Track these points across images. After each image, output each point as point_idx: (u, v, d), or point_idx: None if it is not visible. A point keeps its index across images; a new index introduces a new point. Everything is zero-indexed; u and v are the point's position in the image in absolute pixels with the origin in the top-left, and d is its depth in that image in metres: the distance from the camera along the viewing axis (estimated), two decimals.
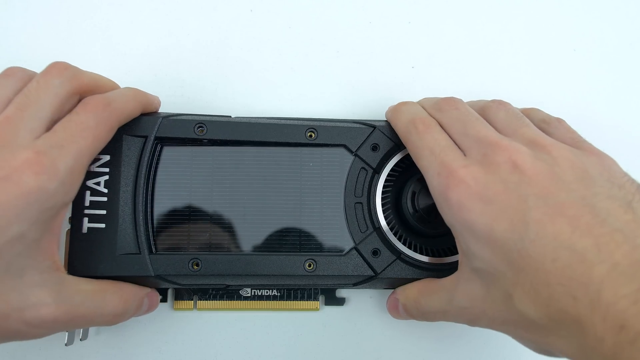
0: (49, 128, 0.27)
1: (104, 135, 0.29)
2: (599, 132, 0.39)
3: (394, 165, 0.34)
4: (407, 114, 0.32)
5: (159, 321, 0.36)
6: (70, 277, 0.29)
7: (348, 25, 0.40)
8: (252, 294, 0.36)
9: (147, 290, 0.32)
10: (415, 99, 0.39)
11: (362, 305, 0.37)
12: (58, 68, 0.29)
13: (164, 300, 0.36)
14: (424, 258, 0.33)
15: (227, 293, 0.36)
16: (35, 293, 0.26)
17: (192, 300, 0.36)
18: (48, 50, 0.38)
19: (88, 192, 0.32)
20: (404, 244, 0.33)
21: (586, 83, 0.41)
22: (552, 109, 0.39)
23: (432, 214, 0.33)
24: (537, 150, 0.27)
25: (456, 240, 0.29)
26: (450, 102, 0.32)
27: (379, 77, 0.40)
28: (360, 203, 0.34)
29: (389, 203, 0.35)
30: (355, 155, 0.34)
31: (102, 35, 0.39)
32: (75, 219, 0.32)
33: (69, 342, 0.32)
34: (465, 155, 0.29)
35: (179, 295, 0.36)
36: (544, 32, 0.41)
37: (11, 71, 0.29)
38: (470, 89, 0.40)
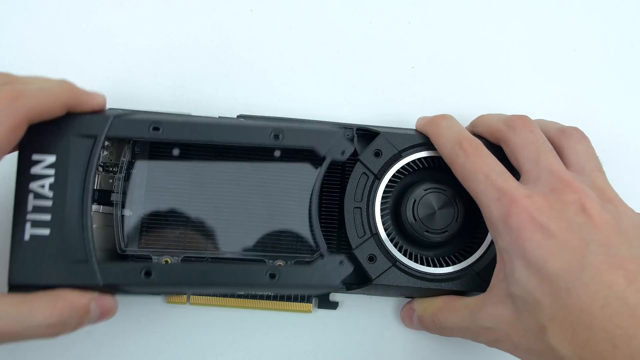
0: None
1: (4, 134, 0.26)
2: (599, 132, 0.39)
3: (395, 172, 0.34)
4: (450, 133, 0.32)
5: (151, 313, 0.37)
6: None
7: (348, 25, 0.40)
8: (246, 292, 0.36)
9: (90, 295, 0.29)
10: (415, 99, 0.39)
11: (355, 310, 0.37)
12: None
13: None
14: (420, 267, 0.33)
15: None
16: None
17: (185, 294, 0.37)
18: (48, 50, 0.38)
19: (31, 196, 0.29)
20: (400, 251, 0.33)
21: (586, 83, 0.41)
22: (552, 109, 0.39)
23: (431, 223, 0.34)
24: (604, 201, 0.28)
25: (501, 266, 0.29)
26: (525, 123, 0.31)
27: (379, 77, 0.40)
28: (360, 208, 0.34)
29: (387, 210, 0.35)
30: (358, 160, 0.34)
31: (102, 35, 0.39)
32: (17, 226, 0.29)
33: None
34: (525, 180, 0.30)
35: None
36: (544, 32, 0.41)
37: None
38: (470, 89, 0.40)
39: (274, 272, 0.31)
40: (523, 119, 0.32)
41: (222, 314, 0.37)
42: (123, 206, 0.34)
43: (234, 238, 0.34)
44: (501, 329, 0.28)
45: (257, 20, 0.40)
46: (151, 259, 0.33)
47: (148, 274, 0.30)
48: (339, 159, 0.32)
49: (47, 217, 0.29)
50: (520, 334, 0.28)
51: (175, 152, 0.34)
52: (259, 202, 0.34)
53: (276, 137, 0.32)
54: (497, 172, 0.29)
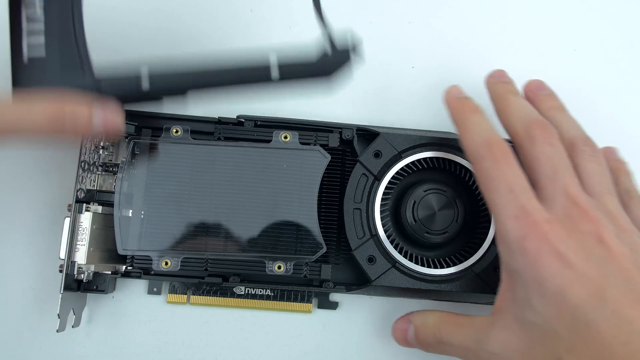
0: None
1: None
2: (599, 132, 0.39)
3: (395, 173, 0.34)
4: (480, 131, 0.30)
5: (151, 313, 0.37)
6: None
7: (348, 25, 0.40)
8: (246, 292, 0.37)
9: (89, 106, 0.27)
10: (415, 99, 0.39)
11: (355, 310, 0.37)
12: None
13: (157, 292, 0.37)
14: (419, 268, 0.33)
15: (220, 290, 0.37)
16: None
17: (185, 294, 0.37)
18: None
19: (24, 20, 0.29)
20: (400, 252, 0.33)
21: (586, 83, 0.40)
22: None
23: (430, 224, 0.34)
24: (619, 230, 0.27)
25: (509, 286, 0.28)
26: (546, 134, 0.29)
27: (379, 77, 0.40)
28: (359, 209, 0.34)
29: (387, 211, 0.35)
30: (358, 161, 0.34)
31: (103, 43, 0.39)
32: (15, 47, 0.29)
33: (60, 328, 0.33)
34: (540, 197, 0.28)
35: (173, 289, 0.37)
36: (544, 32, 0.41)
37: None
38: (470, 89, 0.40)
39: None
40: (544, 128, 0.30)
41: (222, 314, 0.37)
42: (123, 206, 0.34)
43: (236, 237, 0.34)
44: (510, 357, 0.27)
45: (257, 20, 0.40)
46: (151, 260, 0.33)
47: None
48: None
49: (41, 38, 0.29)
50: None
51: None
52: (261, 199, 0.34)
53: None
54: (522, 187, 0.28)
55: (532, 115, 0.31)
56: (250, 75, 0.29)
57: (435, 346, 0.31)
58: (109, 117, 0.28)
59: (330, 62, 0.30)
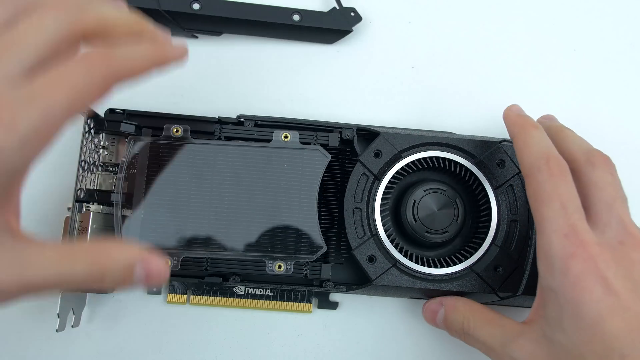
0: (30, 75, 0.22)
1: (92, 94, 0.23)
2: (599, 132, 0.39)
3: (395, 173, 0.34)
4: (540, 145, 0.30)
5: (151, 313, 0.37)
6: (31, 241, 0.24)
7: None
8: (246, 292, 0.37)
9: (136, 252, 0.25)
10: (415, 99, 0.39)
11: (355, 310, 0.37)
12: (57, 5, 0.23)
13: (157, 292, 0.37)
14: (420, 268, 0.33)
15: (220, 289, 0.37)
16: None
17: (185, 294, 0.37)
18: None
19: None
20: (400, 252, 0.33)
21: (586, 83, 0.40)
22: (552, 109, 0.39)
23: (431, 224, 0.33)
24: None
25: (542, 303, 0.28)
26: (608, 163, 0.29)
27: (379, 77, 0.40)
28: (359, 209, 0.34)
29: (387, 210, 0.35)
30: (358, 161, 0.34)
31: None
32: None
33: (60, 328, 0.33)
34: (592, 223, 0.27)
35: (173, 289, 0.37)
36: (544, 32, 0.41)
37: None
38: (470, 89, 0.40)
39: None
40: (606, 158, 0.30)
41: (222, 314, 0.37)
42: (123, 206, 0.34)
43: (236, 237, 0.34)
44: None
45: None
46: None
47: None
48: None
49: None
50: None
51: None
52: (261, 199, 0.34)
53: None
54: (575, 206, 0.27)
55: (592, 148, 0.31)
56: (276, 16, 0.38)
57: (460, 335, 0.32)
58: (152, 268, 0.25)
59: (337, 14, 0.38)
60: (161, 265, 0.25)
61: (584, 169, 0.29)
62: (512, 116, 0.32)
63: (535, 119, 0.32)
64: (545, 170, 0.28)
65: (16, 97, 0.21)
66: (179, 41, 0.26)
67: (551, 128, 0.33)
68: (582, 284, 0.25)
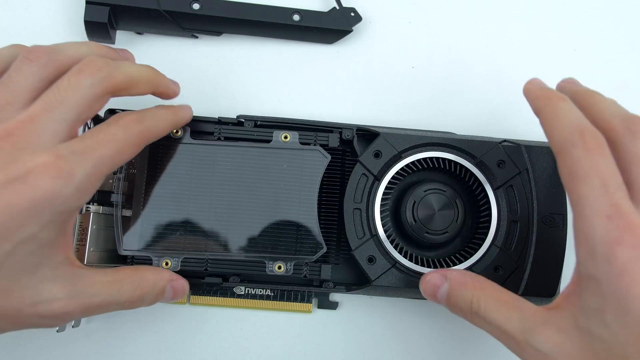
0: (72, 129, 0.27)
1: (130, 150, 0.29)
2: None
3: (395, 173, 0.34)
4: (571, 117, 0.26)
5: (151, 313, 0.37)
6: (86, 270, 0.29)
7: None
8: (246, 292, 0.37)
9: (167, 276, 0.32)
10: (415, 99, 0.39)
11: (355, 310, 0.37)
12: (92, 68, 0.28)
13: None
14: (419, 268, 0.33)
15: (220, 290, 0.37)
16: (48, 288, 0.27)
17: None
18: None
19: None
20: (400, 252, 0.33)
21: (586, 83, 0.40)
22: None
23: (430, 224, 0.34)
24: None
25: (578, 290, 0.25)
26: None
27: (379, 77, 0.40)
28: (359, 209, 0.34)
29: (387, 211, 0.35)
30: (358, 161, 0.34)
31: None
32: None
33: (61, 329, 0.33)
34: (638, 201, 0.24)
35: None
36: (544, 32, 0.41)
37: (34, 55, 0.28)
38: (470, 89, 0.40)
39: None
40: None
41: (222, 314, 0.37)
42: (123, 207, 0.34)
43: (235, 237, 0.34)
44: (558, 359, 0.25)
45: None
46: (151, 260, 0.33)
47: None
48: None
49: None
50: None
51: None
52: (261, 199, 0.34)
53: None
54: (617, 184, 0.24)
55: (627, 111, 0.27)
56: (275, 16, 0.38)
57: (467, 314, 0.28)
58: (178, 289, 0.32)
59: (337, 14, 0.38)
60: (184, 285, 0.32)
61: (623, 139, 0.26)
62: (535, 90, 0.30)
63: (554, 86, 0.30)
64: (580, 144, 0.25)
65: (72, 152, 0.26)
66: (173, 83, 0.33)
67: (578, 94, 0.29)
68: (630, 274, 0.22)
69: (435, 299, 0.30)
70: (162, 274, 0.31)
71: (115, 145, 0.28)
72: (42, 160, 0.25)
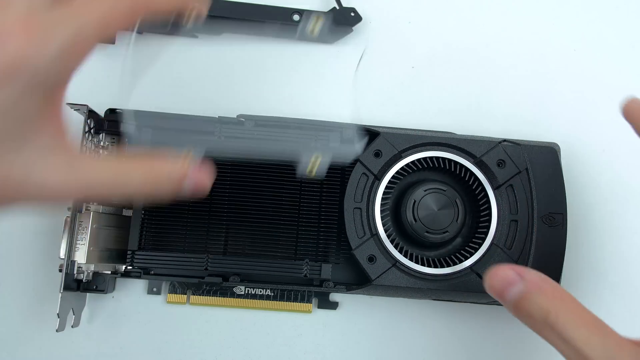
0: None
1: (118, 20, 0.25)
2: (598, 132, 0.39)
3: (395, 173, 0.34)
4: None
5: (151, 313, 0.37)
6: (87, 154, 0.27)
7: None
8: (246, 292, 0.37)
9: (184, 169, 0.26)
10: (415, 99, 0.39)
11: (355, 310, 0.37)
12: None
13: (157, 292, 0.37)
14: (420, 268, 0.33)
15: (220, 289, 0.37)
16: (40, 160, 0.24)
17: (185, 294, 0.37)
18: None
19: None
20: (400, 252, 0.33)
21: (586, 83, 0.40)
22: (552, 109, 0.39)
23: (431, 224, 0.33)
24: None
25: None
26: None
27: (379, 77, 0.40)
28: (359, 209, 0.34)
29: (387, 210, 0.35)
30: (358, 161, 0.34)
31: None
32: None
33: (60, 328, 0.32)
34: None
35: (173, 289, 0.37)
36: (544, 32, 0.41)
37: None
38: (470, 89, 0.40)
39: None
40: None
41: (222, 314, 0.37)
42: (123, 206, 0.34)
43: (237, 238, 0.34)
44: None
45: None
46: (150, 257, 0.33)
47: None
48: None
49: None
50: None
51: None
52: (262, 201, 0.34)
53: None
54: None
55: None
56: (275, 16, 0.38)
57: (537, 324, 0.24)
58: (200, 179, 0.27)
59: (337, 13, 0.39)
60: (205, 177, 0.27)
61: None
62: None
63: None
64: None
65: (49, 19, 0.23)
66: None
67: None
68: None
69: (502, 298, 0.25)
70: (179, 164, 0.27)
71: (100, 12, 0.24)
72: (11, 22, 0.22)
